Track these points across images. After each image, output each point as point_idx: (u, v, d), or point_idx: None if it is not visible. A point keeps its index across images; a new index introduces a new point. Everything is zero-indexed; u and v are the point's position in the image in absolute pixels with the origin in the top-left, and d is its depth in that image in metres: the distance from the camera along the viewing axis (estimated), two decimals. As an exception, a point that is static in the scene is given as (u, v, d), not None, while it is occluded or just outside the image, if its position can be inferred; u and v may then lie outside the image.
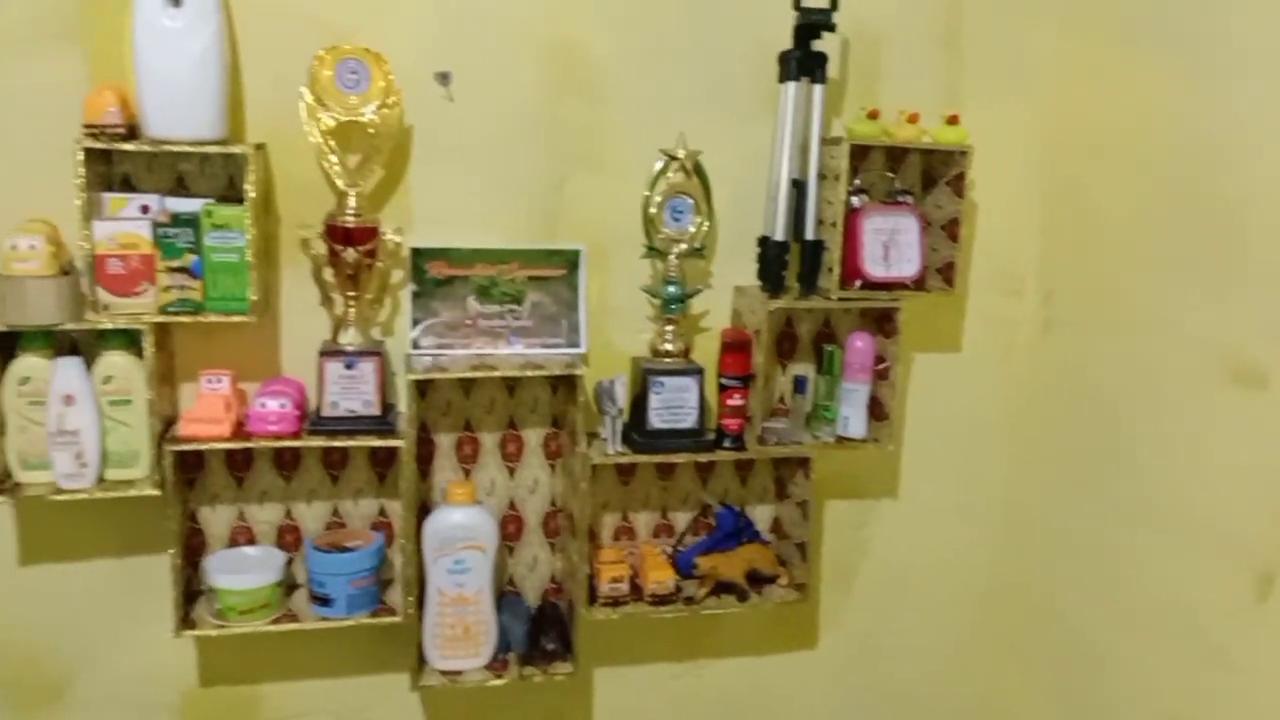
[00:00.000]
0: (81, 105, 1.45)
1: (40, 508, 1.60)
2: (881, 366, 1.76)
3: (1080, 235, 1.81)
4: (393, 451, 1.67)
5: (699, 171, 1.70)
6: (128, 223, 1.46)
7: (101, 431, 1.50)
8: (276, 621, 1.59)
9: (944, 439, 1.96)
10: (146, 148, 1.44)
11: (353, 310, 1.60)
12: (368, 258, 1.57)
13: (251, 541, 1.68)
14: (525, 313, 1.71)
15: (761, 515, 1.88)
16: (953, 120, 1.72)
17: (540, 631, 1.72)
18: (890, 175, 1.80)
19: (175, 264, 1.46)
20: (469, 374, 1.60)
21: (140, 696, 1.71)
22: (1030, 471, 1.95)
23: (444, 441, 1.74)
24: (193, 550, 1.65)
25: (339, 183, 1.55)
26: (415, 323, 1.66)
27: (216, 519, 1.67)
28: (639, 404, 1.70)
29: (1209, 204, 1.54)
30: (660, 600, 1.73)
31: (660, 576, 1.73)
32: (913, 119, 1.71)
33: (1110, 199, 1.74)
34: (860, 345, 1.75)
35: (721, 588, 1.76)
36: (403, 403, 1.65)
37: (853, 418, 1.77)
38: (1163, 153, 1.62)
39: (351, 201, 1.55)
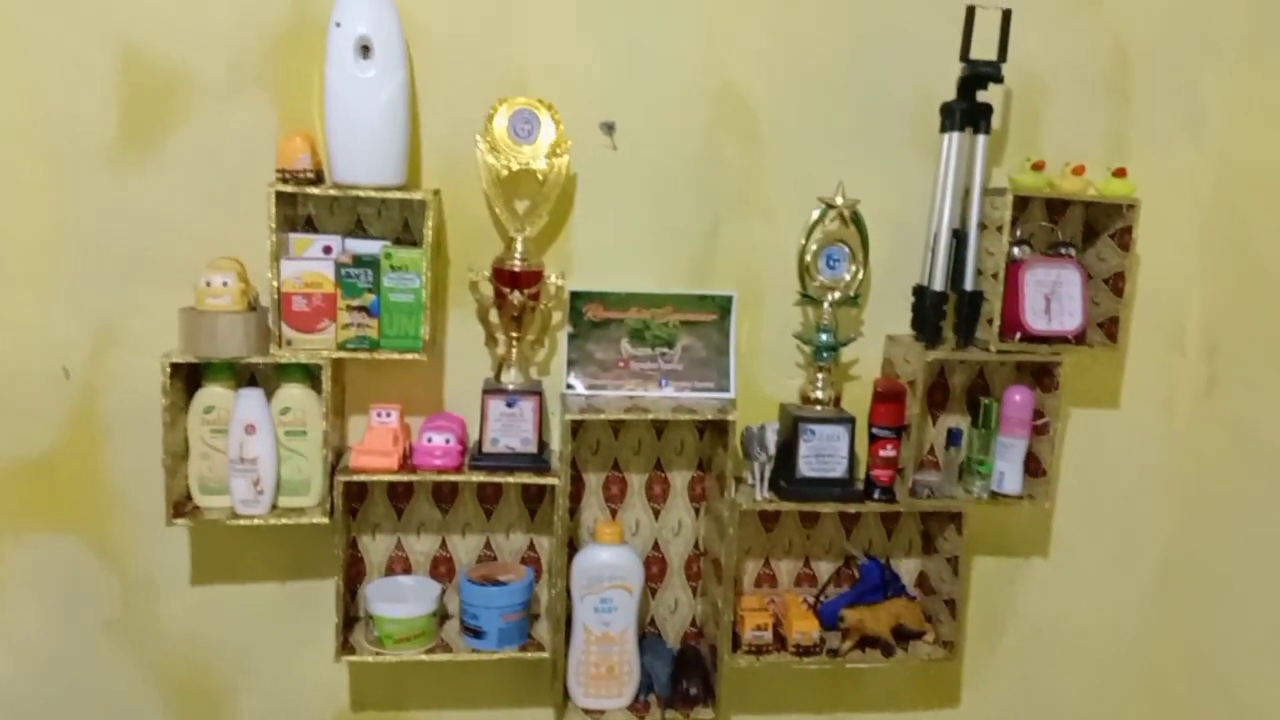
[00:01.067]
0: (273, 149, 1.54)
1: (215, 530, 1.68)
2: (1040, 422, 1.72)
3: (1250, 287, 1.74)
4: (544, 488, 1.70)
5: (857, 220, 1.69)
6: (313, 262, 1.53)
7: (278, 460, 1.57)
8: (430, 651, 1.63)
9: (1100, 497, 1.89)
10: (333, 192, 1.52)
11: (515, 350, 1.64)
12: (532, 300, 1.61)
13: (408, 571, 1.74)
14: (676, 356, 1.73)
15: (907, 569, 1.85)
16: (1120, 173, 1.68)
17: (682, 675, 1.72)
18: (1051, 226, 1.76)
19: (355, 303, 1.53)
20: (623, 416, 1.63)
21: (295, 714, 1.77)
22: (1192, 531, 1.86)
23: (593, 480, 1.77)
24: (352, 577, 1.71)
25: (508, 228, 1.60)
26: (571, 363, 1.70)
27: (376, 547, 1.73)
28: (788, 451, 1.69)
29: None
30: (804, 651, 1.71)
31: (805, 627, 1.71)
32: (1078, 171, 1.67)
33: (1281, 249, 1.68)
34: (1019, 399, 1.71)
35: (866, 641, 1.73)
36: (556, 441, 1.68)
37: (1008, 473, 1.72)
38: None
39: (519, 246, 1.60)
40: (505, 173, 1.59)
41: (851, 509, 1.72)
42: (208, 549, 1.70)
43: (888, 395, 1.69)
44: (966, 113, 1.64)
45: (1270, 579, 1.68)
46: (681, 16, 1.66)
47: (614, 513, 1.78)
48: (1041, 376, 1.74)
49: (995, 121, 1.69)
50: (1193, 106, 1.81)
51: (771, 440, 1.68)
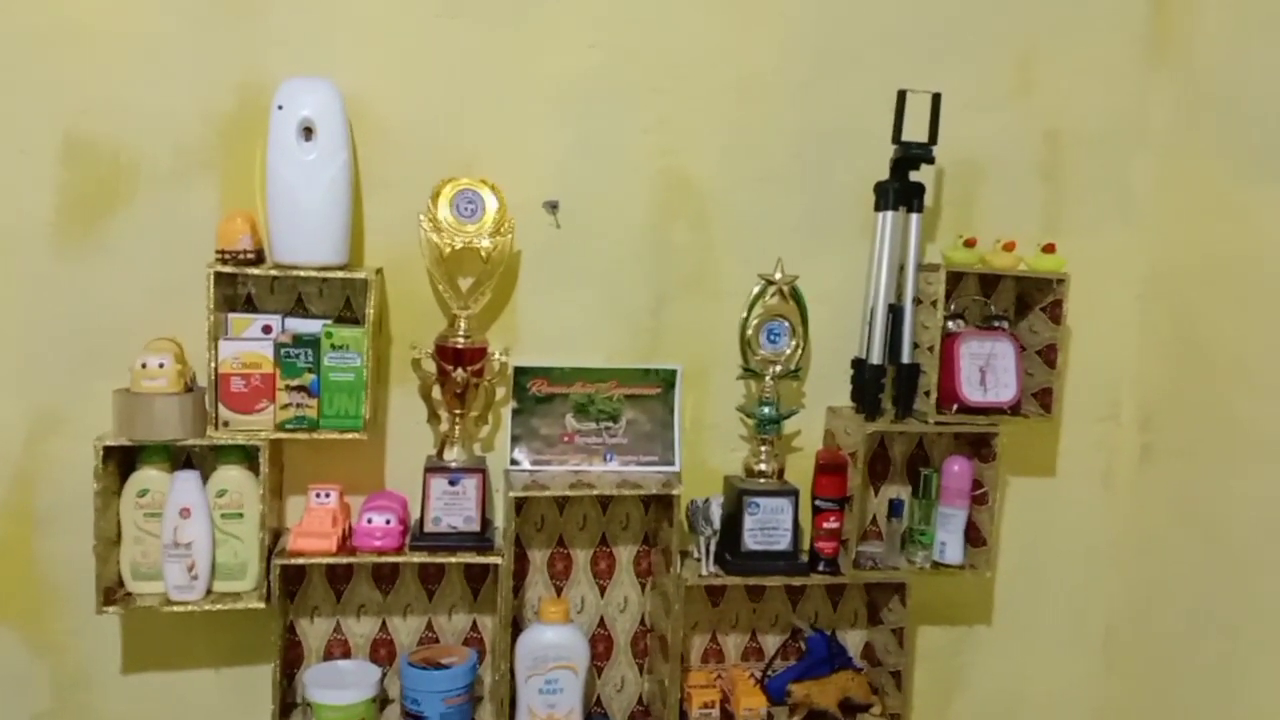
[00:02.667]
0: (213, 228, 1.54)
1: (147, 617, 1.63)
2: (979, 492, 1.75)
3: (1183, 360, 1.80)
4: (487, 567, 1.69)
5: (796, 295, 1.73)
6: (252, 343, 1.52)
7: (213, 544, 1.54)
8: (370, 738, 1.60)
9: (1041, 565, 1.92)
10: (274, 272, 1.51)
11: (458, 427, 1.63)
12: (475, 377, 1.61)
13: (347, 654, 1.70)
14: (621, 430, 1.73)
15: (853, 640, 1.85)
16: (1049, 249, 1.73)
17: (629, 756, 1.70)
18: (985, 300, 1.81)
19: (294, 383, 1.52)
20: (568, 492, 1.62)
21: (230, 809, 1.71)
22: (1136, 598, 1.89)
23: (537, 557, 1.75)
24: (290, 662, 1.66)
25: (451, 306, 1.61)
26: (515, 439, 1.69)
27: (315, 631, 1.69)
28: (732, 524, 1.69)
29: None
30: (752, 727, 1.70)
31: (752, 703, 1.70)
32: (1009, 247, 1.72)
33: (1215, 323, 1.74)
34: (958, 469, 1.74)
35: (814, 716, 1.72)
36: (500, 518, 1.67)
37: (949, 543, 1.74)
38: (1273, 275, 1.62)
39: (462, 323, 1.60)
40: (449, 250, 1.60)
41: (797, 582, 1.72)
42: (141, 637, 1.65)
43: (830, 467, 1.71)
44: (899, 192, 1.69)
45: (1214, 646, 1.71)
46: (629, 102, 1.70)
47: (559, 590, 1.77)
48: (979, 447, 1.77)
49: (929, 200, 1.75)
50: (1123, 190, 1.89)
51: (716, 514, 1.68)
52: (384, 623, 1.71)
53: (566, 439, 1.71)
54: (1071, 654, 1.96)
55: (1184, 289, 1.81)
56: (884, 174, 1.70)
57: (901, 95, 1.67)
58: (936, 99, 1.67)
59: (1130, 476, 1.91)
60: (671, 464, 1.73)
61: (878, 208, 1.70)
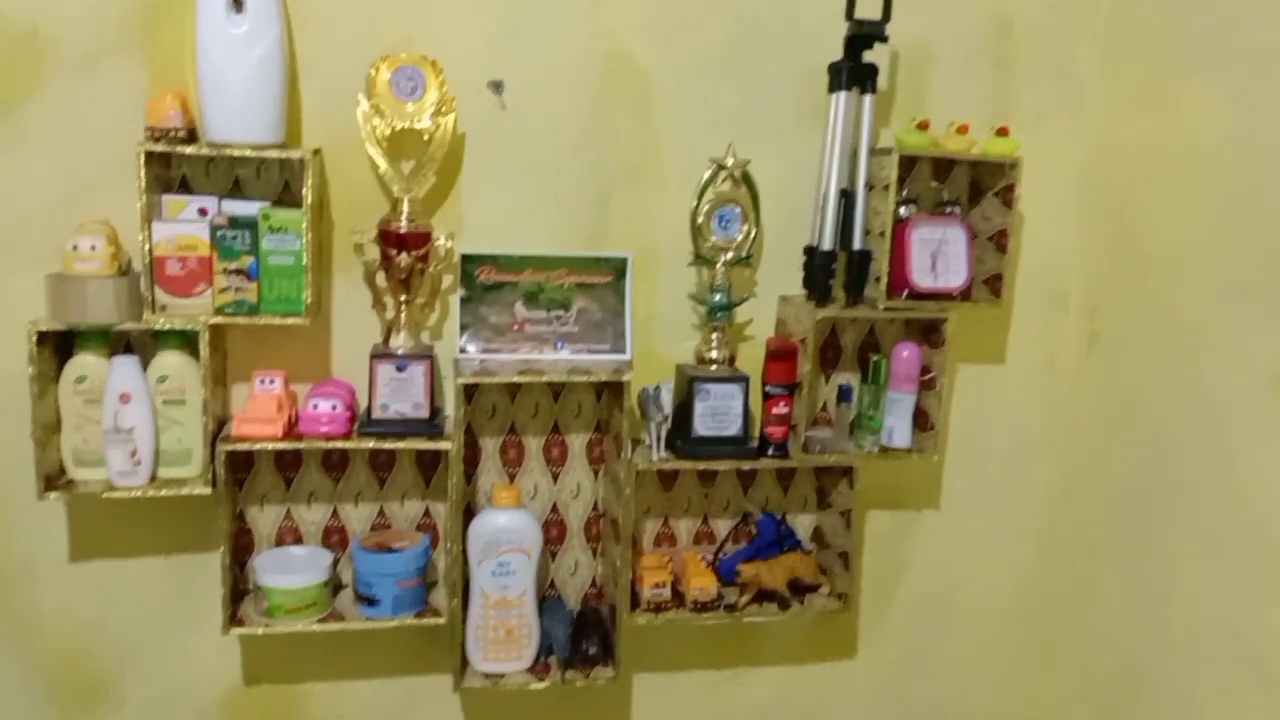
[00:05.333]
0: (143, 109, 1.48)
1: (92, 505, 1.61)
2: (927, 377, 1.76)
3: (1126, 252, 1.80)
4: (439, 454, 1.68)
5: (747, 180, 1.70)
6: (187, 225, 1.48)
7: (156, 430, 1.52)
8: (323, 621, 1.60)
9: (987, 452, 1.95)
10: (206, 151, 1.46)
11: (404, 314, 1.61)
12: (420, 262, 1.58)
13: (299, 541, 1.70)
14: (571, 319, 1.72)
15: (803, 524, 1.88)
16: (1002, 132, 1.72)
17: (582, 636, 1.72)
18: (938, 185, 1.80)
19: (232, 266, 1.48)
20: (517, 379, 1.61)
21: (186, 695, 1.72)
22: (1074, 487, 1.94)
23: (489, 445, 1.75)
24: (240, 550, 1.66)
25: (393, 189, 1.57)
26: (463, 328, 1.68)
27: (264, 519, 1.69)
28: (683, 411, 1.70)
29: (1259, 221, 1.53)
30: (702, 607, 1.73)
31: (702, 583, 1.73)
32: (962, 130, 1.70)
33: (1157, 216, 1.74)
34: (906, 355, 1.75)
35: (763, 596, 1.76)
36: (450, 406, 1.66)
37: (897, 428, 1.76)
38: (1211, 170, 1.62)
39: (405, 207, 1.56)
40: (389, 131, 1.55)
41: (746, 466, 1.74)
42: (86, 525, 1.63)
43: (780, 354, 1.71)
44: (853, 72, 1.66)
45: (1146, 535, 1.75)
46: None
47: (512, 477, 1.77)
48: (929, 333, 1.78)
49: (882, 83, 1.71)
50: (1069, 79, 1.87)
51: (667, 401, 1.69)
52: (335, 510, 1.71)
53: (516, 327, 1.70)
54: (1012, 540, 2.00)
55: (1126, 181, 1.81)
56: (832, 55, 1.66)
57: (856, -30, 1.63)
58: (891, -26, 1.63)
59: (1075, 365, 1.93)
60: (623, 352, 1.72)
61: (831, 89, 1.67)
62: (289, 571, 1.60)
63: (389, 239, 1.57)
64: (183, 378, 1.53)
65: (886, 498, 1.93)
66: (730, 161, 1.68)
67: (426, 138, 1.56)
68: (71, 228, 1.48)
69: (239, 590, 1.64)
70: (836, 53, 1.67)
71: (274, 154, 1.48)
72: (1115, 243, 1.83)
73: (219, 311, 1.49)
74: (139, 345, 1.56)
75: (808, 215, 1.74)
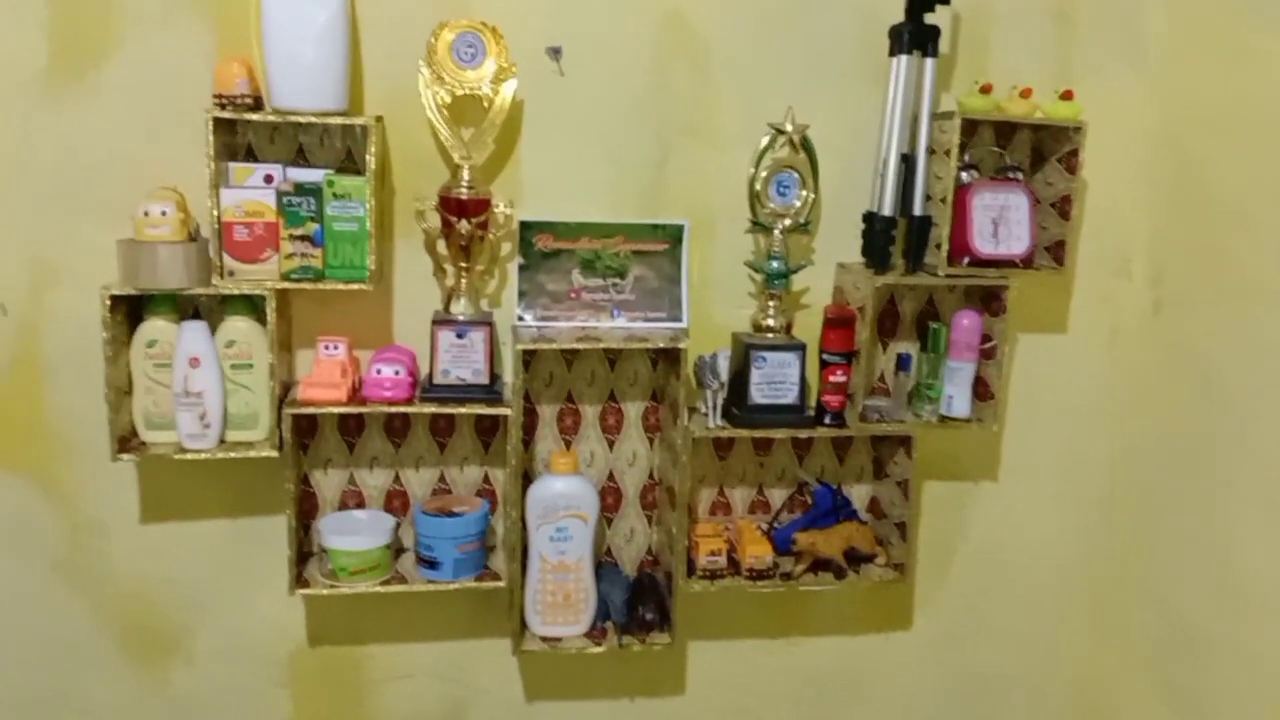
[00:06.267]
0: (208, 73, 1.50)
1: (162, 466, 1.66)
2: (988, 346, 1.74)
3: (1193, 213, 1.76)
4: (498, 420, 1.70)
5: (806, 146, 1.68)
6: (254, 191, 1.50)
7: (224, 394, 1.55)
8: (386, 583, 1.63)
9: (1046, 420, 1.92)
10: (273, 118, 1.48)
11: (464, 281, 1.62)
12: (480, 229, 1.59)
13: (361, 505, 1.73)
14: (628, 286, 1.72)
15: (858, 494, 1.87)
16: (1067, 95, 1.68)
17: (638, 601, 1.74)
18: (1000, 151, 1.77)
19: (298, 232, 1.50)
20: (575, 345, 1.62)
21: (251, 652, 1.77)
22: (1135, 454, 1.91)
23: (546, 412, 1.77)
24: (305, 512, 1.70)
25: (453, 155, 1.58)
26: (521, 295, 1.69)
27: (328, 482, 1.72)
28: (739, 379, 1.70)
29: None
30: (758, 575, 1.74)
31: (758, 551, 1.74)
32: (1025, 94, 1.68)
33: (1226, 175, 1.69)
34: (967, 323, 1.73)
35: (819, 565, 1.76)
36: (508, 373, 1.67)
37: (957, 397, 1.75)
38: (1282, 125, 1.58)
39: (465, 174, 1.57)
40: (449, 98, 1.56)
41: (803, 434, 1.74)
42: (156, 486, 1.68)
43: (838, 321, 1.70)
44: (914, 35, 1.63)
45: (1210, 501, 1.72)
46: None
47: (568, 444, 1.78)
48: (989, 301, 1.75)
49: (943, 46, 1.69)
50: (1136, 34, 1.82)
51: (724, 368, 1.68)
52: (397, 475, 1.74)
53: (573, 295, 1.70)
54: (1072, 508, 1.98)
55: (1196, 139, 1.76)
56: (892, 17, 1.65)
57: (918, -69, 1.60)
58: (955, -64, 1.60)
59: (1138, 331, 1.89)
60: (679, 320, 1.72)
61: (892, 52, 1.65)
62: (353, 534, 1.63)
63: (449, 206, 1.58)
64: (250, 342, 1.56)
65: (943, 467, 1.92)
66: (789, 127, 1.67)
67: (486, 104, 1.57)
68: (139, 185, 1.52)
69: (304, 552, 1.67)
70: (897, 11, 1.64)
71: (338, 121, 1.50)
72: (1183, 204, 1.78)
73: (285, 277, 1.51)
74: (206, 310, 1.59)
75: (866, 180, 1.72)
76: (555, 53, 1.64)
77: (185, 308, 1.58)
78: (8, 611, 1.68)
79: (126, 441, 1.56)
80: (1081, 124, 1.68)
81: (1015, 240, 1.71)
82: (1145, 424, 1.88)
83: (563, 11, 1.64)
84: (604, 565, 1.81)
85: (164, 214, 1.48)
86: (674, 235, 1.72)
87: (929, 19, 1.64)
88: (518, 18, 1.60)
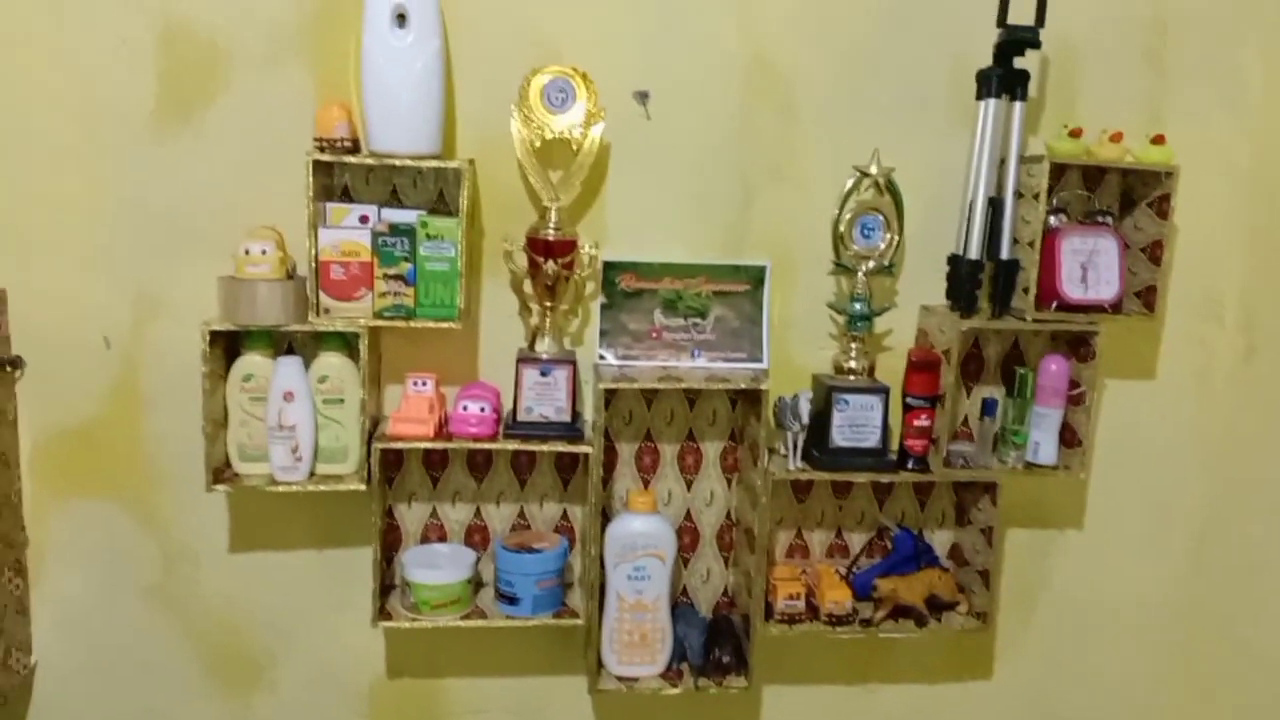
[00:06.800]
0: (310, 119, 1.56)
1: (252, 497, 1.70)
2: (1076, 392, 1.71)
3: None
4: (577, 458, 1.71)
5: (891, 188, 1.68)
6: (350, 231, 1.54)
7: (315, 427, 1.59)
8: (466, 617, 1.65)
9: (1135, 468, 1.88)
10: (370, 161, 1.53)
11: (549, 320, 1.65)
12: (566, 270, 1.62)
13: (443, 539, 1.75)
14: (709, 326, 1.73)
15: (939, 540, 1.85)
16: (1158, 140, 1.66)
17: (715, 643, 1.73)
18: (1088, 194, 1.75)
19: (392, 271, 1.54)
20: (657, 385, 1.63)
21: (333, 681, 1.80)
22: (1228, 503, 1.85)
23: (625, 450, 1.78)
24: (388, 545, 1.72)
25: (541, 197, 1.61)
26: (603, 334, 1.70)
27: (412, 516, 1.74)
28: (821, 421, 1.69)
29: None
30: (837, 620, 1.72)
31: (838, 596, 1.72)
32: (1116, 138, 1.66)
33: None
34: (1055, 369, 1.70)
35: (899, 611, 1.73)
36: (589, 411, 1.69)
37: (1043, 443, 1.72)
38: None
39: (552, 216, 1.60)
40: (539, 142, 1.59)
41: (885, 479, 1.72)
42: (246, 516, 1.73)
43: (922, 365, 1.68)
44: (1003, 79, 1.63)
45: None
46: (716, -14, 1.66)
47: (646, 483, 1.79)
48: (1077, 346, 1.73)
49: (1032, 89, 1.68)
50: (1231, 77, 1.79)
51: (805, 410, 1.67)
52: (478, 509, 1.76)
53: (654, 335, 1.72)
54: (1161, 558, 1.93)
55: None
56: (979, 60, 1.64)
57: (1008, -24, 1.60)
58: (1045, -21, 1.60)
59: (1230, 378, 1.85)
60: (759, 361, 1.72)
61: (979, 96, 1.64)
62: (435, 568, 1.65)
63: (536, 247, 1.60)
64: (342, 378, 1.59)
65: (1027, 514, 1.88)
66: (874, 169, 1.67)
67: (575, 148, 1.60)
68: (240, 224, 1.58)
69: (386, 584, 1.70)
70: (984, 51, 1.64)
71: (432, 164, 1.54)
72: (1276, 249, 1.74)
73: (378, 315, 1.55)
74: (301, 346, 1.63)
75: (951, 222, 1.71)
76: (643, 97, 1.66)
77: (280, 343, 1.62)
78: (102, 634, 1.73)
79: (220, 473, 1.60)
80: (1173, 169, 1.65)
81: (1105, 285, 1.68)
82: (1237, 472, 1.83)
83: (652, 56, 1.66)
84: (680, 606, 1.80)
85: (264, 252, 1.53)
86: (755, 276, 1.72)
87: (1018, 63, 1.63)
88: (607, 62, 1.63)
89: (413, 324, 1.56)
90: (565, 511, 1.78)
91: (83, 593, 1.72)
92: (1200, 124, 1.78)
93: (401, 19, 1.48)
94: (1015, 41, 1.60)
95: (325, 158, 1.51)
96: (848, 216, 1.69)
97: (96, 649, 1.74)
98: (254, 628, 1.76)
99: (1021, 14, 1.60)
